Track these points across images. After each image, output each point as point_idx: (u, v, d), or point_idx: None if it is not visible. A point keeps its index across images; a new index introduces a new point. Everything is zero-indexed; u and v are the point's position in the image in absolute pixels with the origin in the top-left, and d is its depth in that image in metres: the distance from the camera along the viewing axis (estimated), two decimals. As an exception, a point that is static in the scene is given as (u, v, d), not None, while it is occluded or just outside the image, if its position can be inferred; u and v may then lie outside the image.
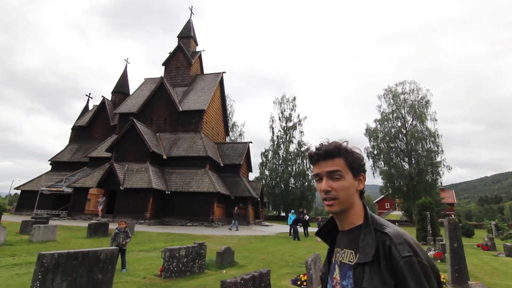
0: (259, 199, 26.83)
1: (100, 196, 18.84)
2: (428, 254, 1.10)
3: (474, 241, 20.75)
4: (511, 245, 13.04)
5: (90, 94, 34.97)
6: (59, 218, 20.80)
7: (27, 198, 25.96)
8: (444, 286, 6.88)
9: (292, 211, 18.89)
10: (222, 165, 25.93)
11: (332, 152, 1.06)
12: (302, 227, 17.83)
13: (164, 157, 23.87)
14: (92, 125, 30.91)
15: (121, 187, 20.40)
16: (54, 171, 28.15)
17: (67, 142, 31.15)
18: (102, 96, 31.22)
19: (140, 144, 22.93)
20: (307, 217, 17.24)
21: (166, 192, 21.50)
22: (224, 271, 7.16)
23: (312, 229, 20.05)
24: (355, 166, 1.06)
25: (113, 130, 29.12)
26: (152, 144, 23.15)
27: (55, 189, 23.25)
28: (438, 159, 38.71)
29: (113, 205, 20.99)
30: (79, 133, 31.19)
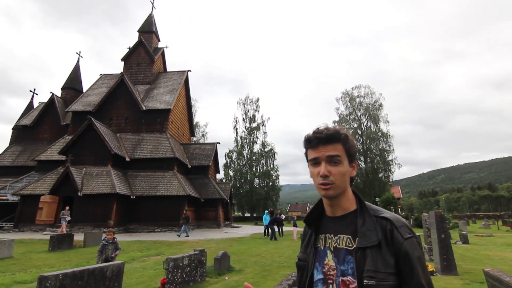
0: (228, 200, 26.40)
1: (66, 209, 16.59)
2: None
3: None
4: (466, 233, 14.56)
5: (35, 90, 31.28)
6: (3, 230, 18.12)
7: (-44, 209, 22.18)
8: (434, 275, 7.37)
9: (267, 211, 18.87)
10: (189, 166, 24.98)
11: (333, 136, 1.07)
12: (277, 226, 17.89)
13: (127, 159, 22.22)
14: (39, 125, 27.59)
15: (79, 193, 18.47)
16: (-9, 177, 24.49)
17: (2, 143, 27.37)
18: (51, 92, 28.10)
19: (100, 146, 21.01)
20: (283, 217, 17.37)
21: (131, 197, 20.02)
22: (227, 278, 6.80)
23: (287, 228, 20.29)
24: (352, 152, 1.08)
25: (65, 130, 26.31)
26: (113, 145, 21.38)
27: (-4, 197, 20.21)
28: (390, 157, 42.06)
29: (71, 213, 18.91)
30: (22, 134, 27.61)
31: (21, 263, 8.88)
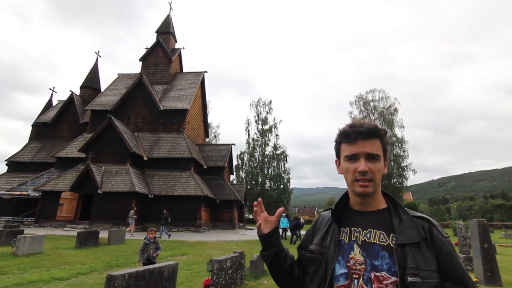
0: (243, 202, 26.32)
1: (134, 209, 16.78)
2: None
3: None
4: (494, 244, 14.08)
5: (54, 88, 31.92)
6: (24, 225, 18.35)
7: (-22, 204, 22.63)
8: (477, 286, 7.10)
9: (284, 214, 18.71)
10: (205, 167, 24.99)
11: (374, 131, 1.05)
12: (293, 230, 17.69)
13: (145, 158, 22.37)
14: (58, 122, 28.04)
15: (99, 191, 18.63)
16: (12, 173, 24.94)
17: (8, 140, 28.12)
18: (70, 91, 28.53)
19: (119, 144, 21.21)
20: (302, 221, 17.19)
21: (149, 196, 20.11)
22: (265, 281, 6.68)
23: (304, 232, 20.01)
24: (387, 149, 1.08)
25: (83, 128, 26.68)
26: (132, 144, 21.56)
27: (17, 192, 20.54)
28: (405, 163, 41.37)
29: (89, 210, 19.11)
30: (42, 131, 28.08)
31: (52, 259, 8.92)
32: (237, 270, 6.20)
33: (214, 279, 5.51)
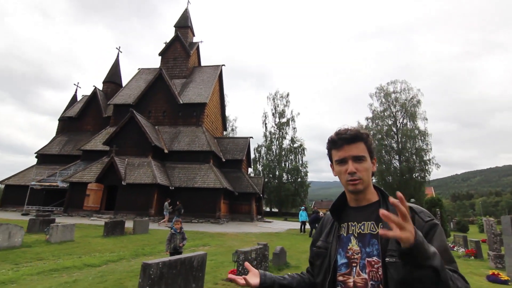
0: (261, 195, 26.47)
1: (168, 201, 17.50)
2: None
3: (472, 237, 21.48)
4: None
5: (78, 83, 33.06)
6: (54, 214, 19.33)
7: (12, 193, 24.05)
8: (509, 284, 6.84)
9: (303, 207, 18.64)
10: (224, 160, 25.25)
11: (357, 136, 1.18)
12: (312, 223, 17.64)
13: (166, 151, 22.87)
14: (83, 116, 29.09)
15: (123, 183, 19.28)
16: (41, 165, 26.24)
17: (36, 134, 29.45)
18: (94, 86, 29.43)
19: (141, 137, 21.79)
20: (322, 214, 17.10)
21: (170, 187, 20.60)
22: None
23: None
24: (372, 150, 1.20)
25: (106, 122, 27.57)
26: (153, 137, 22.07)
27: (47, 183, 21.62)
28: (427, 157, 39.99)
29: (113, 201, 19.85)
30: (68, 124, 29.25)
31: (83, 246, 9.37)
32: (261, 262, 6.26)
33: (240, 269, 5.60)
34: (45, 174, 23.39)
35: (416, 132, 40.75)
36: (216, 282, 5.79)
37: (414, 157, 40.50)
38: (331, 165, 1.26)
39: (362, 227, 1.16)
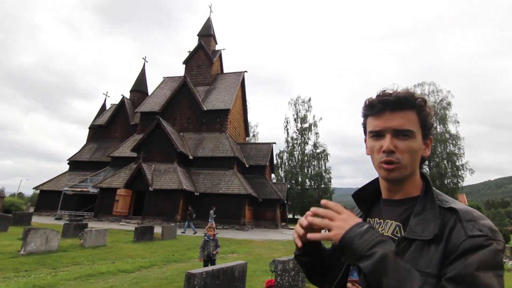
0: (285, 201, 26.04)
1: (213, 209, 17.84)
2: None
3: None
4: None
5: (107, 92, 34.38)
6: (85, 219, 19.98)
7: (46, 198, 25.19)
8: None
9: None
10: (247, 166, 25.14)
11: (406, 100, 0.83)
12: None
13: (190, 157, 23.10)
14: (111, 124, 30.15)
15: (150, 188, 19.61)
16: (73, 171, 27.37)
17: (66, 142, 30.76)
18: (122, 95, 30.52)
19: (167, 144, 22.18)
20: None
21: (195, 193, 20.70)
22: (327, 285, 6.35)
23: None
24: (428, 124, 0.85)
25: (133, 129, 28.39)
26: (178, 144, 22.39)
27: (79, 189, 22.46)
28: (460, 162, 37.88)
29: (141, 206, 20.22)
30: (98, 132, 30.43)
31: (115, 252, 9.46)
32: (298, 272, 5.96)
33: (278, 280, 5.33)
34: (76, 180, 24.34)
35: (447, 136, 38.81)
36: (253, 292, 5.55)
37: (446, 162, 38.51)
38: (365, 139, 0.94)
39: (385, 227, 0.88)
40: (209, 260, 6.14)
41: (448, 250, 0.71)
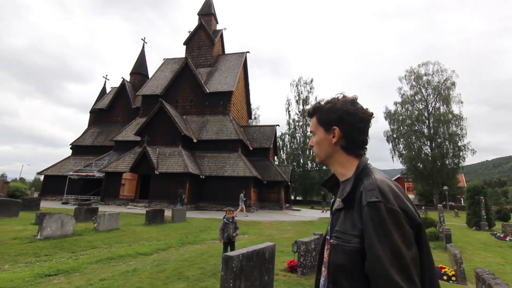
0: (289, 183, 26.22)
1: (243, 192, 18.02)
2: None
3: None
4: None
5: (107, 75, 33.68)
6: (91, 203, 20.11)
7: (51, 183, 25.27)
8: None
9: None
10: (251, 148, 25.09)
11: (309, 113, 1.19)
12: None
13: (195, 140, 22.98)
14: (112, 108, 29.79)
15: (156, 172, 19.62)
16: (76, 155, 27.30)
17: (63, 126, 30.48)
18: (122, 78, 29.94)
19: (170, 127, 21.99)
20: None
21: (201, 176, 20.76)
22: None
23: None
24: (324, 121, 1.11)
25: (135, 112, 28.09)
26: (182, 127, 22.20)
27: (84, 173, 22.47)
28: (462, 142, 37.90)
29: (147, 189, 20.31)
30: (99, 116, 30.11)
31: (129, 235, 9.54)
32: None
33: (302, 260, 5.37)
34: (81, 165, 24.31)
35: (450, 116, 38.55)
36: (276, 273, 5.59)
37: (447, 142, 38.52)
38: None
39: (336, 204, 1.11)
40: (229, 242, 6.16)
41: (360, 214, 0.93)
